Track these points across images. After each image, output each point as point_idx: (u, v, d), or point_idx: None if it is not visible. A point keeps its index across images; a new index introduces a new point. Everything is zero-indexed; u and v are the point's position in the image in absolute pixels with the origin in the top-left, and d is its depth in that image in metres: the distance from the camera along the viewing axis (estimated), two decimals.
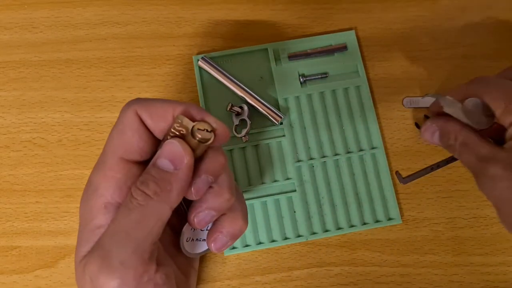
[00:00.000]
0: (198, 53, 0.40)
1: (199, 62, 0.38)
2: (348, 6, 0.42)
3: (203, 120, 0.25)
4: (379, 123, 0.39)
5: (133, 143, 0.25)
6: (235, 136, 0.38)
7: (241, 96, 0.38)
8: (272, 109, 0.38)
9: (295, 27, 0.41)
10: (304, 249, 0.37)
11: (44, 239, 0.37)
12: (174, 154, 0.24)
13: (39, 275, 0.36)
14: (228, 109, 0.37)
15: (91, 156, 0.38)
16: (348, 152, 0.38)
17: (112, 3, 0.41)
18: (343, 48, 0.40)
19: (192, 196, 0.26)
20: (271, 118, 0.38)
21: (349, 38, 0.41)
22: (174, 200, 0.24)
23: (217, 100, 0.39)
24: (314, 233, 0.37)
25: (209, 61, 0.38)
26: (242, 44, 0.40)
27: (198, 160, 0.26)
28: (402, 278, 0.37)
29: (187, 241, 0.29)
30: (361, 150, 0.38)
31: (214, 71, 0.38)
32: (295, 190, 0.37)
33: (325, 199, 0.37)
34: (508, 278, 0.37)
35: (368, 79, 0.40)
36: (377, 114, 0.39)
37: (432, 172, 0.38)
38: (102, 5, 0.41)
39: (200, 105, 0.38)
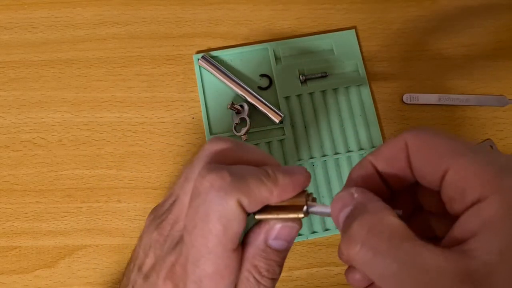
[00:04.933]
0: (198, 53, 0.40)
1: (200, 61, 0.38)
2: (348, 6, 0.42)
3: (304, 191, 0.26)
4: (379, 122, 0.39)
5: (239, 234, 0.25)
6: (234, 135, 0.38)
7: (241, 94, 0.38)
8: (272, 108, 0.38)
9: (295, 27, 0.41)
10: (305, 249, 0.37)
11: (44, 239, 0.37)
12: (291, 235, 0.25)
13: (39, 275, 0.36)
14: (228, 107, 0.37)
15: (91, 156, 0.38)
16: (349, 151, 0.38)
17: (112, 3, 0.41)
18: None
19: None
20: (271, 117, 0.38)
21: (349, 38, 0.41)
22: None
23: (217, 98, 0.39)
24: (314, 232, 0.37)
25: (210, 59, 0.38)
26: (242, 44, 0.40)
27: None
28: None
29: None
30: (361, 149, 0.38)
31: (214, 70, 0.38)
32: None
33: (325, 198, 0.37)
34: None
35: (368, 79, 0.40)
36: (377, 114, 0.39)
37: None
38: (102, 5, 0.41)
39: (201, 104, 0.38)
